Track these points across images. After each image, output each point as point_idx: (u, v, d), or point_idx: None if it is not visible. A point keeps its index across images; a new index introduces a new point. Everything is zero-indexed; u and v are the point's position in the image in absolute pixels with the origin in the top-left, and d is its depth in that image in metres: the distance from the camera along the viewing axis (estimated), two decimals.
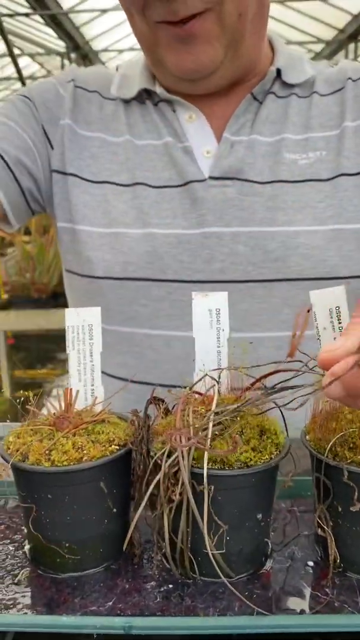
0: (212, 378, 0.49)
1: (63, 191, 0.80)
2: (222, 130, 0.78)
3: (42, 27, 8.08)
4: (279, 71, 0.77)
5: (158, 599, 0.44)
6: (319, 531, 0.46)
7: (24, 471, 0.44)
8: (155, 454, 0.44)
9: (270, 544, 0.48)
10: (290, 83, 0.78)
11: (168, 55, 0.72)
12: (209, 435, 0.43)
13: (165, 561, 0.46)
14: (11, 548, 0.50)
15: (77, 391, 0.50)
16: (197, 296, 0.52)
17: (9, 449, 0.46)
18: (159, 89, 0.78)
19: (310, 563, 0.47)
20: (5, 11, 6.35)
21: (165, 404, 0.51)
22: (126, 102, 0.82)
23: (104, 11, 7.86)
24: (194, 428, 0.43)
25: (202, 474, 0.42)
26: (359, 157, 0.75)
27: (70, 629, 0.41)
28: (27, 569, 0.47)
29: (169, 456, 0.43)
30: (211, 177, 0.75)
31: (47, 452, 0.45)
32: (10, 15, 6.70)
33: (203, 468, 0.42)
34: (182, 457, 0.42)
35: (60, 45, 8.61)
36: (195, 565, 0.45)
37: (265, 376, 0.45)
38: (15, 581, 0.46)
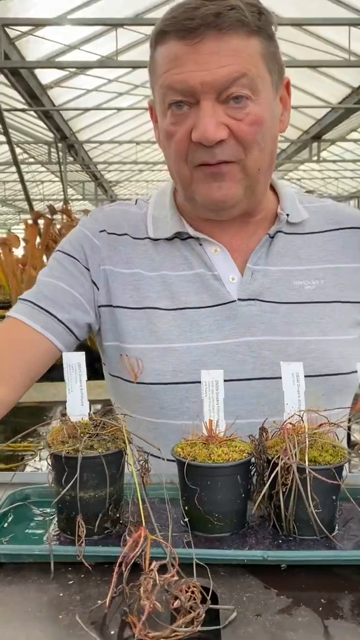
0: (299, 416, 0.79)
1: (112, 319, 1.01)
2: (242, 261, 1.01)
3: (32, 119, 8.75)
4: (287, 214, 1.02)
5: (275, 549, 0.72)
6: None
7: (195, 466, 0.73)
8: (272, 459, 0.74)
9: (337, 517, 0.77)
10: (292, 222, 1.03)
11: (201, 189, 0.94)
12: (307, 444, 0.73)
13: (278, 527, 0.74)
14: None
15: (217, 421, 0.79)
16: (284, 365, 0.83)
17: (179, 455, 0.75)
18: (190, 230, 1.01)
19: None
20: (5, 106, 6.91)
21: (267, 432, 0.80)
22: (154, 240, 1.03)
23: (86, 109, 8.62)
24: (299, 440, 0.73)
25: (304, 468, 0.71)
26: (347, 290, 1.03)
27: (237, 557, 0.68)
28: (188, 532, 0.75)
29: (280, 459, 0.73)
30: (239, 299, 0.99)
31: (209, 455, 0.73)
32: (8, 110, 7.25)
33: (305, 464, 0.71)
34: (293, 456, 0.71)
35: (49, 135, 9.28)
36: (295, 527, 0.73)
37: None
38: (186, 541, 0.73)
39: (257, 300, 1.00)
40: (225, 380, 0.97)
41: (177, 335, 0.99)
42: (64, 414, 0.80)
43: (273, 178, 1.06)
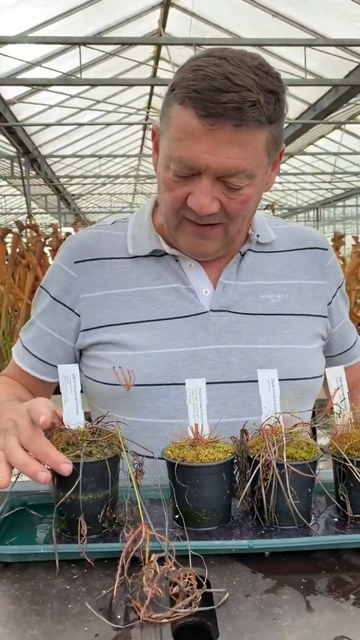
0: (276, 418, 0.87)
1: (90, 333, 1.10)
2: (215, 276, 1.11)
3: None
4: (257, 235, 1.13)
5: (259, 538, 0.79)
6: (341, 498, 0.84)
7: (184, 466, 0.80)
8: (253, 457, 0.81)
9: (312, 508, 0.85)
10: (261, 242, 1.14)
11: (184, 240, 1.05)
12: (284, 443, 0.81)
13: (260, 519, 0.82)
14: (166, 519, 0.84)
15: (198, 425, 0.87)
16: (260, 371, 0.91)
17: (169, 456, 0.82)
18: (167, 249, 1.11)
19: (335, 518, 0.84)
20: None
21: (248, 434, 0.88)
22: (131, 258, 1.12)
23: (48, 125, 8.66)
24: (277, 439, 0.81)
25: (283, 464, 0.79)
26: (309, 304, 1.14)
27: (225, 547, 0.75)
28: (178, 528, 0.81)
29: (260, 456, 0.81)
30: (211, 310, 1.09)
31: (196, 455, 0.81)
32: None
33: (283, 460, 0.79)
34: (272, 453, 0.79)
35: (11, 150, 9.25)
36: (276, 518, 0.81)
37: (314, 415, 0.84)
38: (177, 535, 0.80)
39: (228, 311, 1.10)
40: None
41: (151, 344, 1.08)
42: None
43: None
